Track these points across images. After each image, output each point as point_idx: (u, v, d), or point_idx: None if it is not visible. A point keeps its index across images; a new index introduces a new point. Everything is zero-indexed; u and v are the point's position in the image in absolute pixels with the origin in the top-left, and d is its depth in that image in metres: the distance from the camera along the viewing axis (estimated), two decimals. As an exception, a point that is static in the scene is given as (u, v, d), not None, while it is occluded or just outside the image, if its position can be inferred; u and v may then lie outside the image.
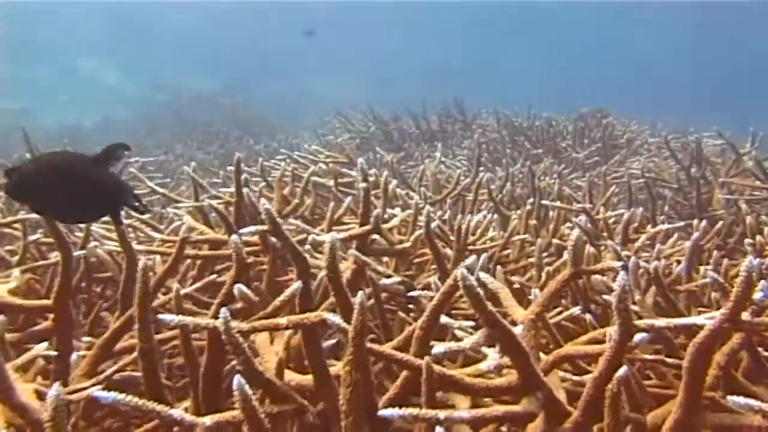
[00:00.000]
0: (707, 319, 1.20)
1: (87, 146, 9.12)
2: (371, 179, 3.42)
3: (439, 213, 2.73)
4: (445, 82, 17.81)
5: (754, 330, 1.18)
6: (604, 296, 1.80)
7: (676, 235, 2.52)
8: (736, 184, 3.31)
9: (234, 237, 1.35)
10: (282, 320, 1.13)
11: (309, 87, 23.83)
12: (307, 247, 1.77)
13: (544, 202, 2.54)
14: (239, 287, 1.27)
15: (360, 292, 1.03)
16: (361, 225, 1.85)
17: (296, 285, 1.23)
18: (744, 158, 4.51)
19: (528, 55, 27.69)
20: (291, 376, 1.33)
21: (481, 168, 4.88)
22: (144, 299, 1.21)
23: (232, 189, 2.28)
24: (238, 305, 1.35)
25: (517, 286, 2.25)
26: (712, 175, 4.46)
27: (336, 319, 1.08)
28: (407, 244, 1.88)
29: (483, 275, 1.48)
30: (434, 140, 6.88)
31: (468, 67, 26.04)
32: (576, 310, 1.75)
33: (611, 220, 2.57)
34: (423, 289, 1.99)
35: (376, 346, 1.11)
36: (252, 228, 1.58)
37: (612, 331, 1.08)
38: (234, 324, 1.05)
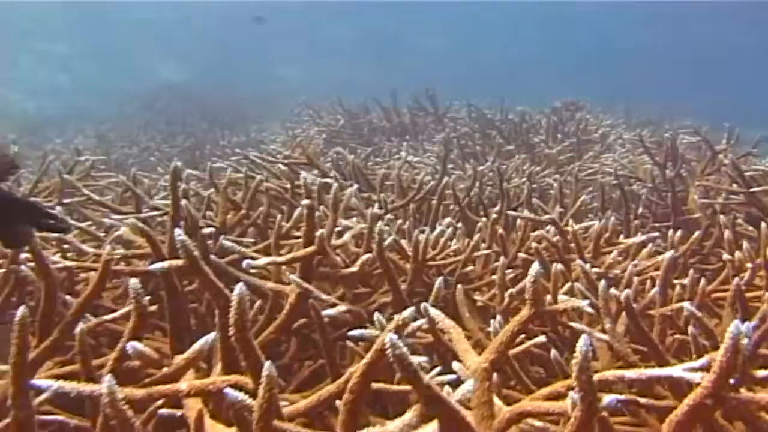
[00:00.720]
0: (684, 371, 1.04)
1: (49, 137, 8.84)
2: (330, 181, 3.24)
3: (399, 222, 2.55)
4: (423, 71, 17.60)
5: (740, 406, 1.02)
6: (572, 324, 1.64)
7: (650, 246, 2.37)
8: (712, 187, 3.17)
9: (132, 283, 1.15)
10: (182, 385, 0.95)
11: (285, 74, 23.53)
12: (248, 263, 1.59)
13: (510, 212, 2.37)
14: (133, 345, 1.08)
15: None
16: (305, 245, 1.66)
17: (204, 340, 1.05)
18: (720, 156, 4.39)
19: (505, 46, 27.54)
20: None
21: (451, 165, 4.72)
22: (20, 360, 1.01)
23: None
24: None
25: (480, 304, 2.09)
26: (688, 174, 4.34)
27: (237, 395, 0.89)
28: (354, 269, 1.70)
29: (433, 311, 1.31)
30: (405, 134, 6.70)
31: (447, 57, 25.81)
32: (541, 339, 1.60)
33: (581, 232, 2.40)
34: (377, 310, 1.82)
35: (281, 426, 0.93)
36: (163, 264, 1.39)
37: (576, 397, 0.91)
38: (121, 395, 0.87)
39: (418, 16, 27.67)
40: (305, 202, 1.66)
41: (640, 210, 3.59)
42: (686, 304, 1.42)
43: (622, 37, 26.35)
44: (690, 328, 1.40)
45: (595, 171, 5.06)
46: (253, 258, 1.59)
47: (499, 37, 28.13)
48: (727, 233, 2.14)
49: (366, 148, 6.40)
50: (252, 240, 2.27)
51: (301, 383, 1.90)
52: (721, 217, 2.34)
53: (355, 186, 3.06)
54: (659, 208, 3.91)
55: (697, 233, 2.46)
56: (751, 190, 2.74)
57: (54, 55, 20.89)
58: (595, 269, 2.06)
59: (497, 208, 2.61)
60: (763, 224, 2.08)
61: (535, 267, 1.18)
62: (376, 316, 1.31)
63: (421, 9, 27.11)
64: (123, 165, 6.80)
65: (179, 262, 1.28)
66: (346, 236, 1.91)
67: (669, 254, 1.78)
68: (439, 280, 1.67)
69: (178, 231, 1.22)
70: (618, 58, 25.57)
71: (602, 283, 1.65)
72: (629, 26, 26.43)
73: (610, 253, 2.21)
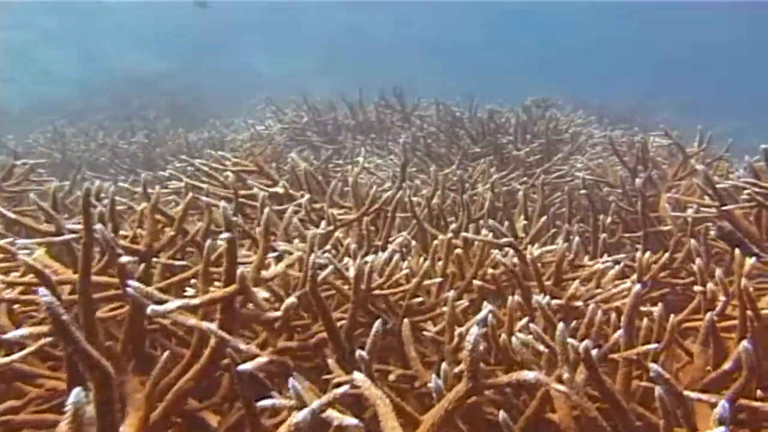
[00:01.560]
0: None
1: (13, 129, 8.48)
2: (279, 191, 3.03)
3: (348, 241, 2.35)
4: (392, 67, 17.44)
5: None
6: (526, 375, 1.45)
7: (617, 268, 2.19)
8: (683, 200, 3.01)
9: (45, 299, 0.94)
10: None
11: (259, 67, 23.12)
12: (153, 309, 1.38)
13: (466, 234, 2.17)
14: None
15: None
16: (225, 284, 1.46)
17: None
18: (691, 161, 4.25)
19: (479, 44, 27.35)
20: None
21: (414, 168, 4.54)
22: None
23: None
24: None
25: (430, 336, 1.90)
26: (659, 178, 4.20)
27: None
28: (278, 314, 1.50)
29: (359, 378, 1.12)
30: (372, 132, 6.50)
31: (427, 53, 25.55)
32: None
33: (544, 256, 2.22)
34: (317, 345, 1.62)
35: None
36: (24, 331, 1.18)
37: None
38: None
39: (400, 13, 27.41)
40: (225, 235, 1.45)
41: (609, 219, 3.42)
42: (654, 366, 1.24)
43: (598, 32, 26.32)
44: (657, 390, 1.23)
45: (564, 173, 4.91)
46: (161, 301, 1.38)
47: (477, 33, 27.94)
48: (698, 262, 1.97)
49: (330, 147, 6.22)
50: (185, 263, 2.06)
51: (229, 429, 1.71)
52: (692, 241, 2.16)
53: (307, 197, 2.87)
54: (630, 214, 3.76)
55: (665, 255, 2.29)
56: (724, 207, 2.58)
57: (21, 41, 20.27)
58: (556, 301, 1.88)
59: (454, 227, 2.42)
60: (736, 252, 1.91)
61: (474, 332, 0.99)
62: (291, 384, 1.12)
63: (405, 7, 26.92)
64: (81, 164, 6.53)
65: (44, 329, 1.07)
66: (280, 266, 1.71)
67: (635, 289, 1.60)
68: (376, 324, 1.47)
69: (43, 291, 1.01)
70: (593, 53, 25.57)
71: (560, 327, 1.47)
72: (608, 22, 26.44)
73: (573, 279, 2.03)
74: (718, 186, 2.76)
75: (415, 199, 3.50)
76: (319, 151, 6.19)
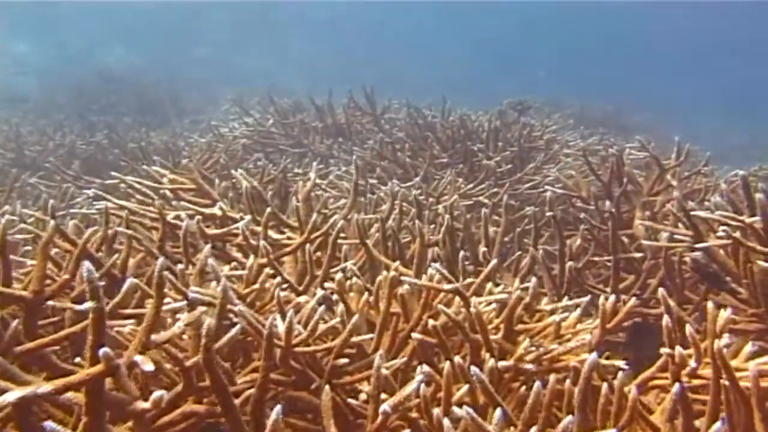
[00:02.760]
0: None
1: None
2: (216, 212, 2.76)
3: (278, 281, 2.09)
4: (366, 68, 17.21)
5: None
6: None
7: (577, 313, 1.95)
8: (656, 228, 2.77)
9: None
10: None
11: (241, 63, 22.70)
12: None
13: (406, 279, 1.91)
14: None
15: None
16: (91, 363, 1.20)
17: None
18: (667, 176, 4.03)
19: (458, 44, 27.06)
20: None
21: (375, 180, 4.28)
22: None
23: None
24: None
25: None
26: (633, 194, 3.97)
27: None
28: (147, 405, 1.23)
29: None
30: (340, 135, 6.23)
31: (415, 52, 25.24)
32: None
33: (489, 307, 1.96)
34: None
35: None
36: None
37: None
38: None
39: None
40: (89, 304, 1.19)
41: (578, 242, 3.19)
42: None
43: (578, 30, 26.17)
44: None
45: (536, 183, 4.67)
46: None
47: (465, 33, 27.63)
48: (666, 320, 1.72)
49: (296, 150, 5.95)
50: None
51: None
52: (660, 290, 1.92)
53: (246, 219, 2.60)
54: (603, 231, 3.53)
55: (632, 301, 2.05)
56: (699, 244, 2.34)
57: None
58: (503, 363, 1.64)
59: (394, 266, 2.15)
60: (709, 305, 1.67)
61: None
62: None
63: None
64: (36, 165, 6.21)
65: None
66: (176, 327, 1.44)
67: (590, 360, 1.36)
68: (276, 410, 1.22)
69: None
70: (576, 53, 25.39)
71: (497, 415, 1.22)
72: (588, 19, 26.28)
73: (525, 332, 1.79)
74: (693, 213, 2.53)
75: (373, 216, 3.26)
76: (286, 156, 5.93)
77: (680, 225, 2.62)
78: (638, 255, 2.84)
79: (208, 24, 24.73)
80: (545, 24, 26.62)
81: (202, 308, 1.59)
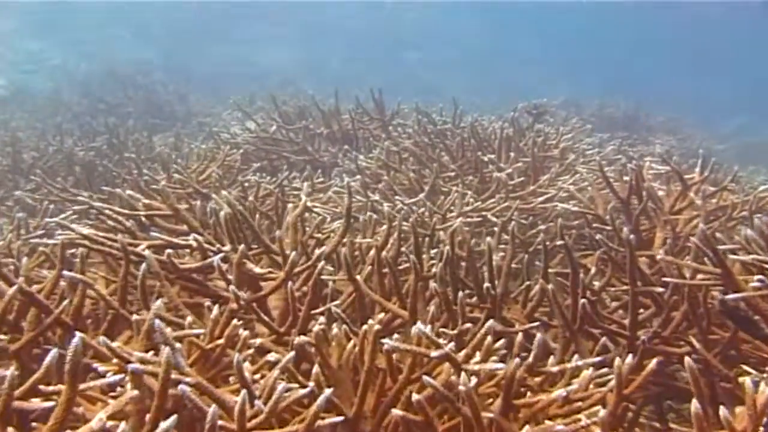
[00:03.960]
0: None
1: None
2: (191, 243, 2.52)
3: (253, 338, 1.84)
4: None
5: None
6: None
7: (589, 373, 1.69)
8: (678, 264, 2.49)
9: None
10: None
11: (256, 60, 22.51)
12: None
13: (388, 342, 1.66)
14: None
15: None
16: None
17: None
18: (691, 194, 3.75)
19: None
20: None
21: (376, 196, 4.02)
22: None
23: None
24: None
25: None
26: (654, 212, 3.70)
27: None
28: None
29: None
30: (348, 141, 5.99)
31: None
32: None
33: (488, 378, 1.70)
34: None
35: None
36: None
37: None
38: None
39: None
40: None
41: (593, 271, 2.92)
42: None
43: (600, 31, 25.63)
44: None
45: (550, 197, 4.40)
46: None
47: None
48: (695, 375, 1.45)
49: (300, 158, 5.71)
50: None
51: None
52: (687, 361, 1.64)
53: (220, 256, 2.35)
54: (621, 253, 3.26)
55: (653, 362, 1.78)
56: (729, 296, 2.06)
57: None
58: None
59: (375, 323, 1.88)
60: (747, 381, 1.40)
61: None
62: None
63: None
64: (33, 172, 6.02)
65: None
66: (96, 420, 1.21)
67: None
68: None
69: None
70: (592, 53, 24.90)
71: None
72: (609, 20, 25.74)
73: (527, 407, 1.53)
74: (720, 248, 2.26)
75: (368, 240, 3.01)
76: (288, 164, 5.70)
77: (706, 260, 2.35)
78: (659, 289, 2.56)
79: (224, 21, 24.56)
80: (564, 23, 26.13)
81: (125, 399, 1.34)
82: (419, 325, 1.63)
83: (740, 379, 2.11)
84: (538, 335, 1.73)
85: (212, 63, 19.34)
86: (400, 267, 2.66)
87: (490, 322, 1.87)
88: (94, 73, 13.44)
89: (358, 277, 2.30)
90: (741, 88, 21.15)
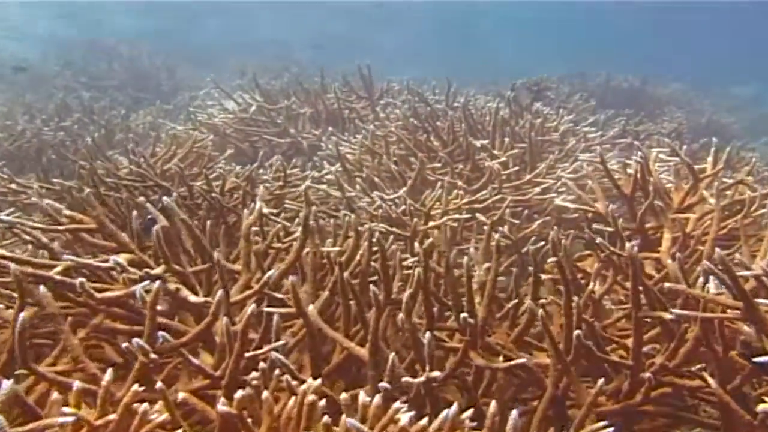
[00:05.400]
0: None
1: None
2: (121, 262, 2.15)
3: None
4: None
5: None
6: None
7: None
8: (695, 295, 2.11)
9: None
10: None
11: (250, 26, 21.95)
12: None
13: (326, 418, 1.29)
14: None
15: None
16: None
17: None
18: (703, 191, 3.36)
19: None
20: None
21: (353, 193, 3.64)
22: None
23: None
24: None
25: None
26: (662, 210, 3.32)
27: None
28: None
29: None
30: (333, 122, 5.58)
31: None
32: None
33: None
34: None
35: None
36: None
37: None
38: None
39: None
40: None
41: (591, 287, 2.55)
42: None
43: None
44: None
45: (548, 187, 4.02)
46: None
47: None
48: None
49: (280, 140, 5.32)
50: None
51: None
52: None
53: (141, 286, 1.98)
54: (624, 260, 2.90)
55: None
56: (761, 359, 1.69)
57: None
58: None
59: (311, 386, 1.51)
60: None
61: None
62: None
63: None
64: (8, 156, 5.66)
65: None
66: None
67: None
68: None
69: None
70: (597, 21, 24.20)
71: None
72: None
73: None
74: (742, 274, 1.89)
75: (338, 249, 2.64)
76: (273, 146, 5.31)
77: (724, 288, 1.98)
78: (667, 316, 2.19)
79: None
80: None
81: None
82: (350, 421, 1.27)
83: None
84: (514, 413, 1.36)
85: (202, 34, 18.79)
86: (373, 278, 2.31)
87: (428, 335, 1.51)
88: (79, 44, 12.97)
89: (311, 307, 1.94)
90: (753, 56, 20.55)
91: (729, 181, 3.59)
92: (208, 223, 2.54)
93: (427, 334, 1.79)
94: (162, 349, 1.68)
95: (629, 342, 2.30)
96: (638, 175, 3.39)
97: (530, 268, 2.56)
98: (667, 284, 2.06)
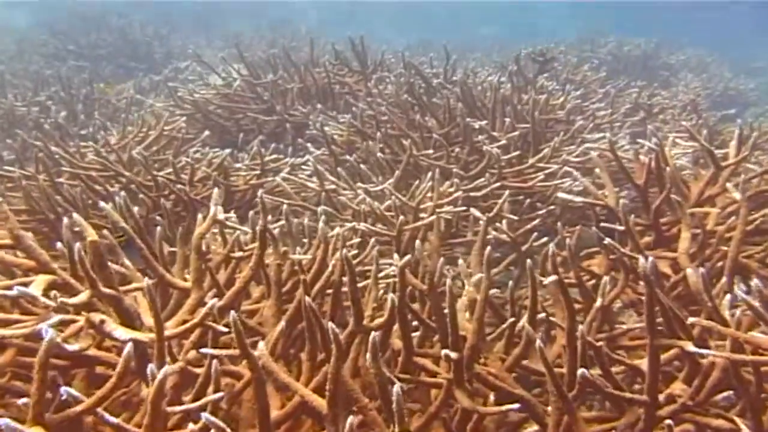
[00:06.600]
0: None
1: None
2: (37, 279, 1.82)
3: None
4: None
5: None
6: None
7: None
8: (724, 332, 1.76)
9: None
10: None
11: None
12: None
13: None
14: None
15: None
16: None
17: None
18: (724, 181, 2.99)
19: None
20: None
21: (331, 186, 3.27)
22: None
23: None
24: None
25: None
26: (678, 203, 2.95)
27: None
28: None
29: None
30: (323, 98, 5.20)
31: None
32: None
33: None
34: None
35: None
36: None
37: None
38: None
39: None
40: None
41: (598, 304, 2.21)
42: None
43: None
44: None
45: (553, 172, 3.65)
46: None
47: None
48: None
49: (268, 117, 4.95)
50: None
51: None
52: None
53: (50, 322, 1.65)
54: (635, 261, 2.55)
55: None
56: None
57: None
58: None
59: None
60: None
61: None
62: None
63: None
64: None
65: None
66: None
67: None
68: None
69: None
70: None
71: None
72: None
73: None
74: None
75: (307, 257, 2.30)
76: (259, 124, 4.95)
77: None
78: (691, 348, 1.84)
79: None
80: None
81: None
82: None
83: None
84: None
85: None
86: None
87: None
88: (67, 10, 12.45)
89: (260, 348, 1.61)
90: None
91: (754, 168, 3.21)
92: (158, 229, 2.19)
93: (396, 387, 1.45)
94: (65, 416, 1.35)
95: (643, 364, 1.97)
96: (653, 164, 3.02)
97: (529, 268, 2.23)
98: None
